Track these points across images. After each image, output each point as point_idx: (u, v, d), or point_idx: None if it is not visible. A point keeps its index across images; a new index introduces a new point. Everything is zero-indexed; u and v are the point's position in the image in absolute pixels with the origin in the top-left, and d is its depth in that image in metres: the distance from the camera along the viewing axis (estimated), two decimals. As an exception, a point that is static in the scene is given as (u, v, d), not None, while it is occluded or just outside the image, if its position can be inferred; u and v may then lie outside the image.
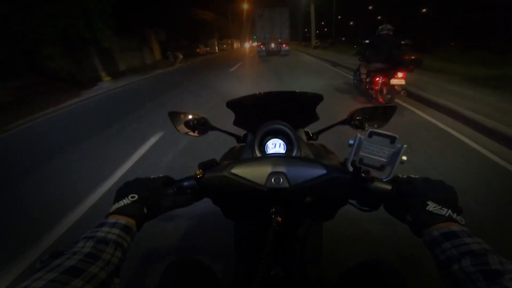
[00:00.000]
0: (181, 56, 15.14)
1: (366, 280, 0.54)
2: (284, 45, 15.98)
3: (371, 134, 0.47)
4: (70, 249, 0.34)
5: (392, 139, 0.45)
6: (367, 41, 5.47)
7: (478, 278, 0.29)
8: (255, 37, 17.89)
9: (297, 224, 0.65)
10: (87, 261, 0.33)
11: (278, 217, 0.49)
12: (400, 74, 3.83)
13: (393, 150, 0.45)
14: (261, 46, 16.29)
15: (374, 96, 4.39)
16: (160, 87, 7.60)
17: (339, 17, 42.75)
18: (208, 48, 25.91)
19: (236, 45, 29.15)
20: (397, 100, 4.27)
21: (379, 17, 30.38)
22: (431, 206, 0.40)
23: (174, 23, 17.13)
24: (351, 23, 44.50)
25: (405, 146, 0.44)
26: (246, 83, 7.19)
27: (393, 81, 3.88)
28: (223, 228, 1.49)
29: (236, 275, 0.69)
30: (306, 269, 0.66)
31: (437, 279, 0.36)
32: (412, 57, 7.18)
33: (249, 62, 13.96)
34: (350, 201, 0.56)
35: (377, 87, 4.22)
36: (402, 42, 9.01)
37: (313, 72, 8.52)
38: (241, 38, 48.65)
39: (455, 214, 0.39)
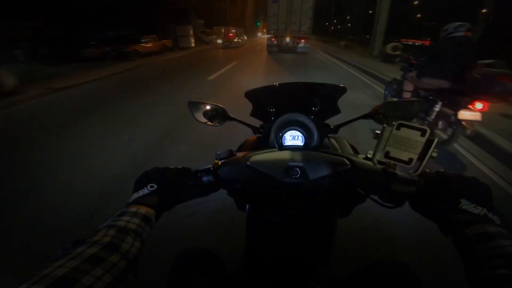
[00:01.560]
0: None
1: (379, 282, 0.53)
2: (302, 41, 12.58)
3: (399, 126, 0.44)
4: (92, 238, 0.35)
5: (423, 132, 0.43)
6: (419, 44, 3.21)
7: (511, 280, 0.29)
8: (258, 23, 14.13)
9: (311, 219, 0.62)
10: (108, 250, 0.33)
11: (294, 212, 0.53)
12: (479, 105, 2.35)
13: (423, 143, 0.43)
14: (273, 40, 12.91)
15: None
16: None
17: (370, 11, 37.44)
18: (164, 43, 13.82)
19: (241, 39, 18.98)
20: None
21: (418, 15, 25.81)
22: (465, 204, 0.38)
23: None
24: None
25: (436, 139, 0.42)
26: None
27: (464, 114, 2.35)
28: (236, 219, 1.28)
29: (245, 267, 0.67)
30: (316, 266, 0.63)
31: (457, 283, 0.43)
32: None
33: (249, 63, 10.10)
34: (372, 196, 0.52)
35: (431, 117, 2.73)
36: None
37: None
38: (250, 28, 40.77)
39: (491, 213, 0.37)
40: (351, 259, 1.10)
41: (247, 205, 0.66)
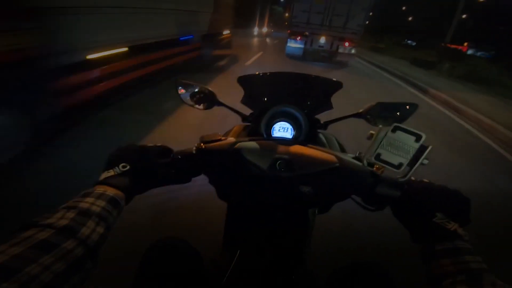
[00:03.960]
0: None
1: (355, 282, 0.53)
2: (346, 43, 7.65)
3: (395, 129, 0.44)
4: (46, 220, 0.31)
5: (418, 137, 0.43)
6: None
7: None
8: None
9: (292, 214, 0.65)
10: (63, 235, 0.29)
11: (274, 204, 0.52)
12: None
13: (416, 149, 0.43)
14: (298, 38, 7.94)
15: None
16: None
17: (404, 8, 30.39)
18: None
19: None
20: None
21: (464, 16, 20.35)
22: (439, 218, 0.39)
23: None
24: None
25: (430, 147, 0.42)
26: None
27: None
28: (214, 209, 1.31)
29: (222, 258, 0.67)
30: (292, 261, 0.65)
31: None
32: None
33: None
34: (353, 197, 0.52)
35: None
36: None
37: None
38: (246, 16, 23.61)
39: (461, 229, 0.38)
40: (330, 258, 1.17)
41: (228, 195, 0.65)
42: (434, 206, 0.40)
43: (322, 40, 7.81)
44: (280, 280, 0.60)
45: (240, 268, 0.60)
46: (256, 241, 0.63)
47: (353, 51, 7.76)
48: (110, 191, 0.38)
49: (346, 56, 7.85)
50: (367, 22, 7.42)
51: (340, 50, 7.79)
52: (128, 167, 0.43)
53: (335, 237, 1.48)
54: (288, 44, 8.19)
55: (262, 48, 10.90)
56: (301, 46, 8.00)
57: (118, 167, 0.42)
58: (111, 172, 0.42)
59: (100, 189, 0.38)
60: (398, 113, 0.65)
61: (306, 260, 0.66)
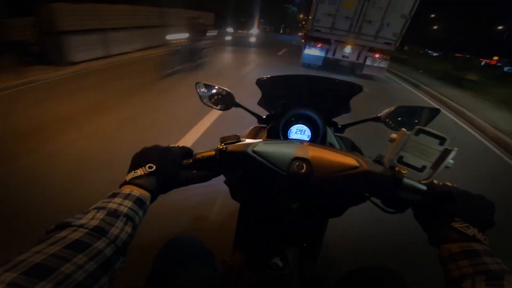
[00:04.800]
0: None
1: (367, 286, 0.53)
2: (377, 55, 6.43)
3: (418, 132, 0.42)
4: (78, 220, 0.32)
5: (442, 140, 0.41)
6: None
7: None
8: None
9: (306, 216, 0.62)
10: (94, 235, 0.30)
11: (293, 207, 0.51)
12: None
13: (439, 152, 0.41)
14: (319, 45, 6.73)
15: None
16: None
17: (432, 15, 27.63)
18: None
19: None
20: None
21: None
22: (458, 223, 0.38)
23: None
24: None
25: (455, 149, 0.40)
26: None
27: None
28: (226, 209, 1.51)
29: (233, 258, 0.68)
30: (304, 264, 0.65)
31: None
32: None
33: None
34: (372, 199, 0.51)
35: None
36: None
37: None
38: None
39: (481, 233, 0.37)
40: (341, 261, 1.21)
41: (242, 196, 0.65)
42: (455, 211, 0.39)
43: (348, 49, 6.60)
44: (291, 282, 0.58)
45: (250, 268, 0.61)
46: (267, 242, 0.62)
47: (383, 64, 6.53)
48: (136, 191, 0.39)
49: (375, 69, 6.63)
50: (403, 34, 6.15)
51: (368, 62, 6.57)
52: (154, 167, 0.43)
53: (347, 240, 1.45)
54: (305, 52, 7.01)
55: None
56: (322, 54, 6.82)
57: (144, 167, 0.43)
58: (138, 173, 0.42)
59: (127, 189, 0.39)
60: (418, 118, 0.67)
61: (316, 263, 0.65)
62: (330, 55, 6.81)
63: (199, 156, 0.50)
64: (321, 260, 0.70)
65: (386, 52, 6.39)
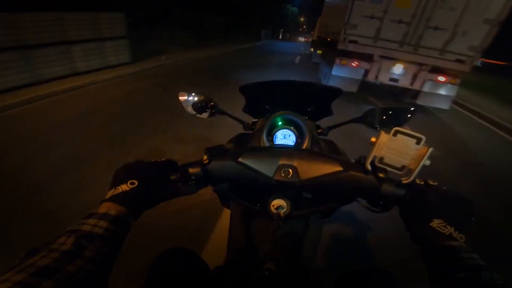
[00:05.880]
0: None
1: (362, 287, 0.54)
2: (441, 77, 4.33)
3: (396, 133, 0.44)
4: (49, 246, 0.31)
5: (418, 140, 0.43)
6: None
7: None
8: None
9: (296, 219, 0.65)
10: (64, 260, 0.30)
11: (281, 211, 0.51)
12: None
13: (417, 151, 0.43)
14: (355, 63, 4.59)
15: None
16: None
17: None
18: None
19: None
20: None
21: None
22: (436, 223, 0.39)
23: None
24: None
25: (431, 148, 0.42)
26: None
27: None
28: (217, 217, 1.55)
29: (226, 266, 0.67)
30: (298, 267, 0.66)
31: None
32: None
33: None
34: (359, 200, 0.53)
35: None
36: None
37: None
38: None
39: (457, 232, 0.38)
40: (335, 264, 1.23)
41: (232, 202, 0.68)
42: (432, 211, 0.40)
43: (398, 69, 4.47)
44: (285, 286, 0.59)
45: (244, 273, 0.60)
46: (260, 247, 0.62)
47: (451, 91, 4.44)
48: (113, 210, 0.38)
49: (436, 98, 4.53)
50: (486, 46, 4.06)
51: (426, 88, 4.46)
52: (136, 183, 0.42)
53: (340, 242, 1.49)
54: (334, 73, 4.77)
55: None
56: (358, 77, 4.65)
57: (126, 183, 0.42)
58: (119, 189, 0.41)
59: (103, 208, 0.38)
60: (397, 117, 0.70)
61: (307, 266, 0.67)
62: (371, 78, 4.63)
63: (184, 168, 0.51)
64: (315, 262, 0.75)
65: (457, 74, 4.28)
